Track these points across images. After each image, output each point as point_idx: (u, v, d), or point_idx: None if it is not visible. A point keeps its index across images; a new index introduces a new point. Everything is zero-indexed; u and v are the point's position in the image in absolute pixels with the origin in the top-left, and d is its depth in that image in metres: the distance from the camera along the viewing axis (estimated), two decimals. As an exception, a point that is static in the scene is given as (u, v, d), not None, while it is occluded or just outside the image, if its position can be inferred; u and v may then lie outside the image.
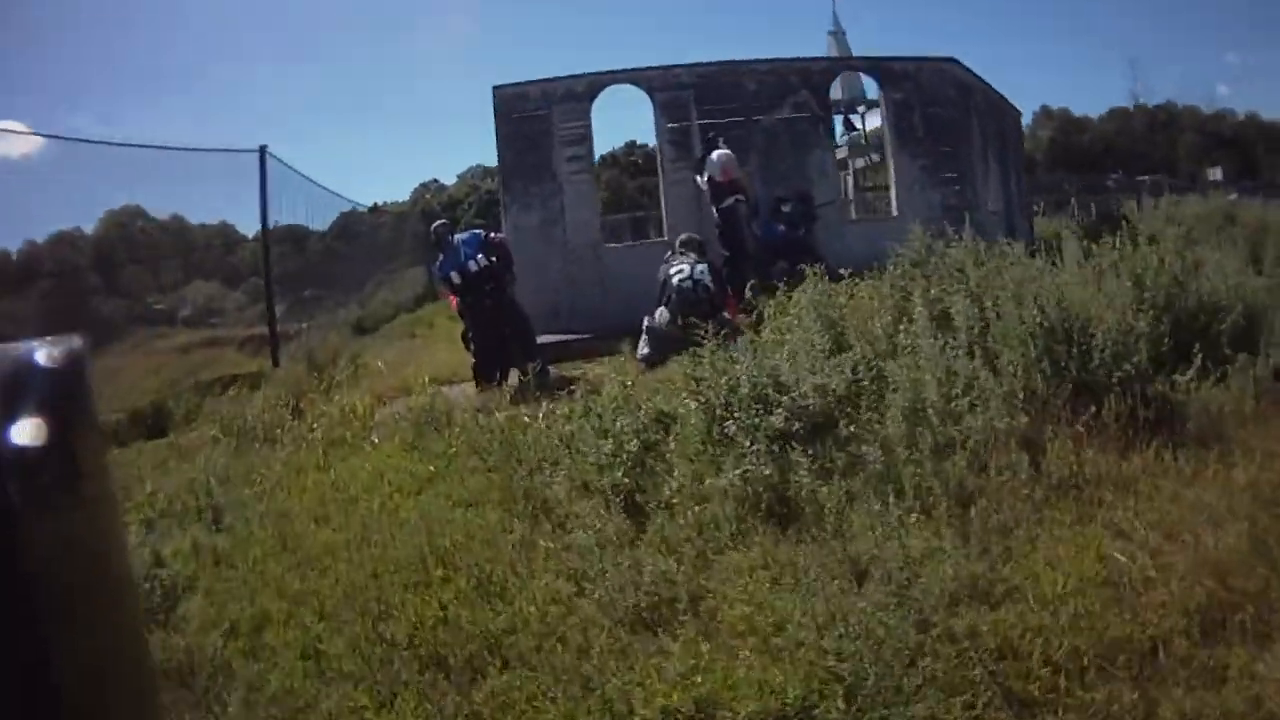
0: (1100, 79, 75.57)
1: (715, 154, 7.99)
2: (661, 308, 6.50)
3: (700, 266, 6.51)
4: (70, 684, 0.50)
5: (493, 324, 6.59)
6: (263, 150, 8.77)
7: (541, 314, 8.38)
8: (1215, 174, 31.03)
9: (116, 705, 0.56)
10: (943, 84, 9.39)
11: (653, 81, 9.20)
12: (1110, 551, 2.57)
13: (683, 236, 7.19)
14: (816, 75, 9.29)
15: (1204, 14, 57.97)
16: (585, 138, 9.16)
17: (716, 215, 8.02)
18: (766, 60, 9.26)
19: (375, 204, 24.20)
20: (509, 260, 6.93)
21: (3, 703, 0.48)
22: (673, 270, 6.56)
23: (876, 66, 9.56)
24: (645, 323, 6.64)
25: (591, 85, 9.21)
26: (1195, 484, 2.93)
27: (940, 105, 9.32)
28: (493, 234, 7.37)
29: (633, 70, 9.39)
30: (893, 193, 9.44)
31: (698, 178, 8.29)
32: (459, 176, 41.23)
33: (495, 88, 9.35)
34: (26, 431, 0.49)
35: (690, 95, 9.07)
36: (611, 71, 9.41)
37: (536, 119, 9.18)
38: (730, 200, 7.89)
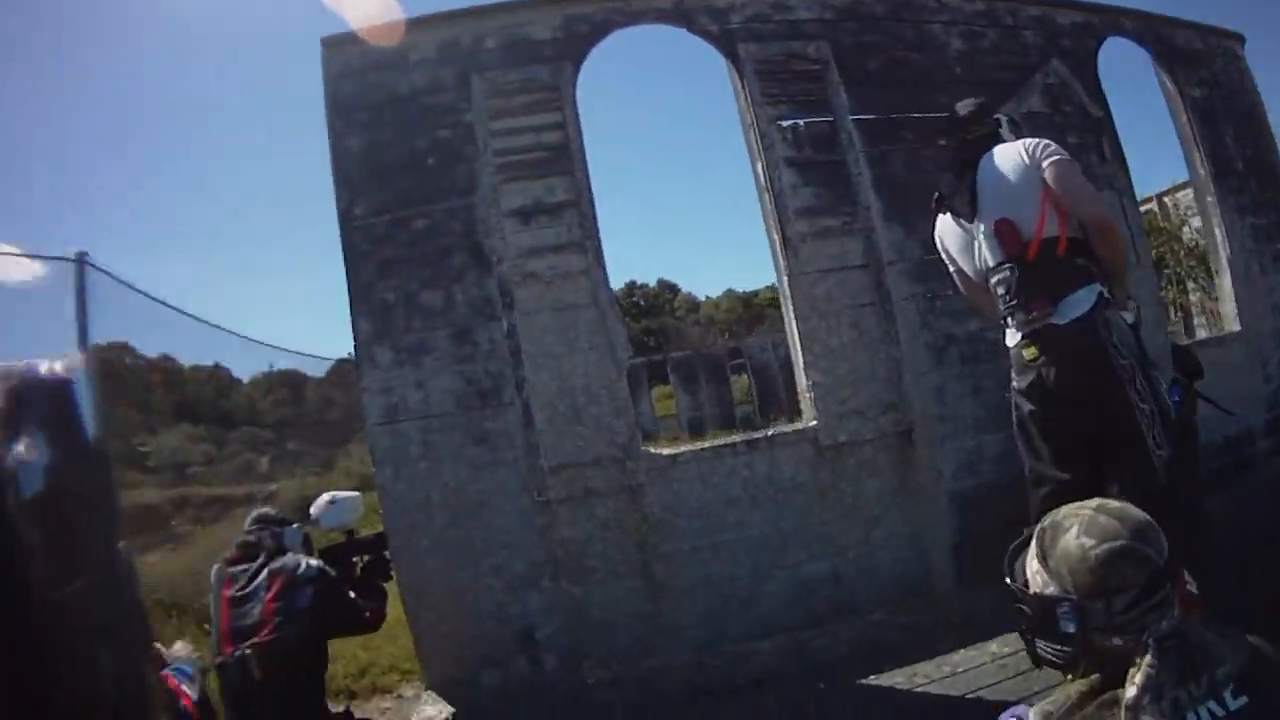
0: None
1: (1020, 146, 2.35)
2: None
3: None
4: (70, 686, 0.50)
5: None
6: (81, 259, 5.46)
7: (475, 655, 3.31)
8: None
9: (116, 704, 0.56)
10: (1240, 79, 4.87)
11: (730, 18, 3.63)
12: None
13: None
14: (1069, 32, 4.11)
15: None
16: (564, 157, 3.46)
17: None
18: (980, -10, 3.93)
19: None
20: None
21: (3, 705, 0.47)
22: None
23: (1154, 33, 4.48)
24: None
25: (572, 26, 3.53)
26: None
27: (1244, 115, 4.78)
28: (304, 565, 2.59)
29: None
30: (1225, 280, 4.47)
31: (950, 250, 2.61)
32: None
33: (326, 41, 3.50)
34: (27, 444, 0.50)
35: (825, 52, 3.58)
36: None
37: (432, 114, 3.41)
38: (1091, 296, 2.28)
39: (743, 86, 3.57)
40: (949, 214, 2.58)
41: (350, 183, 3.43)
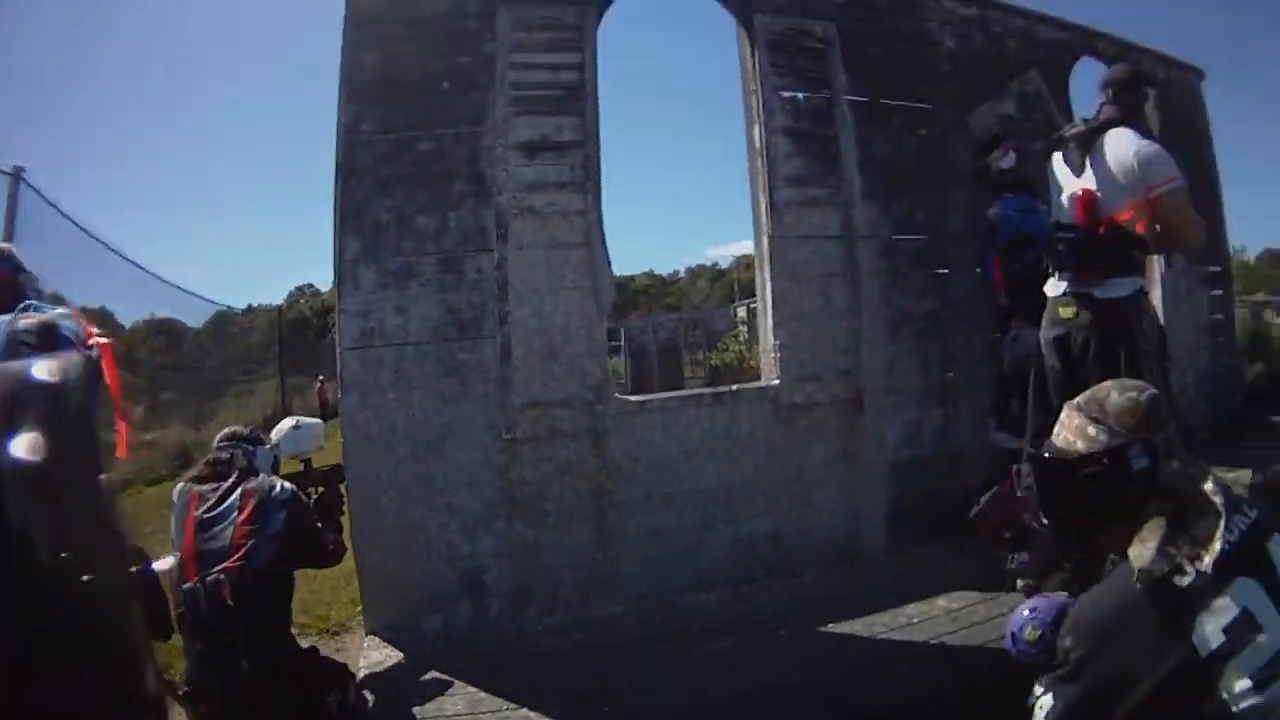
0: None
1: (1134, 154, 2.53)
2: None
3: None
4: (70, 680, 0.51)
5: None
6: (17, 174, 5.23)
7: (421, 598, 3.30)
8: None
9: (115, 702, 0.56)
10: (1194, 110, 5.31)
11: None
12: None
13: None
14: (1047, 46, 4.29)
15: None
16: (578, 98, 3.39)
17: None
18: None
19: (249, 305, 20.49)
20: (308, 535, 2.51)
21: (5, 700, 0.48)
22: None
23: (1123, 58, 4.28)
24: None
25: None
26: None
27: (1194, 143, 5.10)
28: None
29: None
30: (1156, 293, 4.60)
31: (1053, 183, 2.84)
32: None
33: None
34: (27, 443, 0.50)
35: (831, 34, 3.63)
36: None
37: (453, 39, 3.32)
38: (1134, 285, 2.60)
39: (752, 53, 3.60)
40: (1061, 156, 2.76)
41: (360, 98, 3.29)
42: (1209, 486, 1.34)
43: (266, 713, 2.18)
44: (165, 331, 12.02)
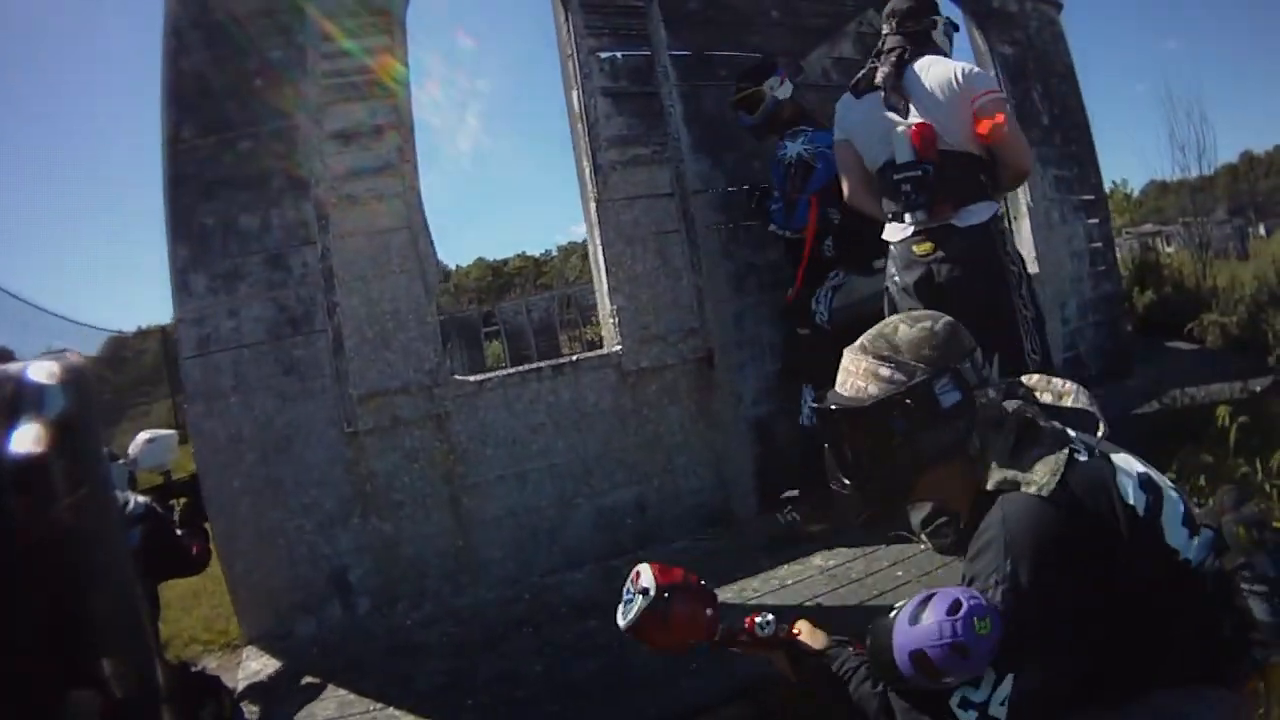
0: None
1: (953, 71, 2.49)
2: None
3: None
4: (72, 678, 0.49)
5: None
6: None
7: (292, 603, 3.14)
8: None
9: (119, 698, 0.55)
10: (1054, 42, 5.25)
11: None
12: None
13: None
14: None
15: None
16: (389, 81, 3.20)
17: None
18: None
19: (139, 327, 19.81)
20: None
21: (8, 696, 0.48)
22: None
23: None
24: None
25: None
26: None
27: (1057, 75, 5.07)
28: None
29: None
30: (1025, 226, 4.60)
31: (854, 132, 2.68)
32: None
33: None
34: (29, 443, 0.50)
35: None
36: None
37: (266, 34, 3.14)
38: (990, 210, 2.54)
39: (566, 18, 3.50)
40: (868, 98, 2.59)
41: (181, 104, 3.14)
42: (1053, 396, 1.26)
43: None
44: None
